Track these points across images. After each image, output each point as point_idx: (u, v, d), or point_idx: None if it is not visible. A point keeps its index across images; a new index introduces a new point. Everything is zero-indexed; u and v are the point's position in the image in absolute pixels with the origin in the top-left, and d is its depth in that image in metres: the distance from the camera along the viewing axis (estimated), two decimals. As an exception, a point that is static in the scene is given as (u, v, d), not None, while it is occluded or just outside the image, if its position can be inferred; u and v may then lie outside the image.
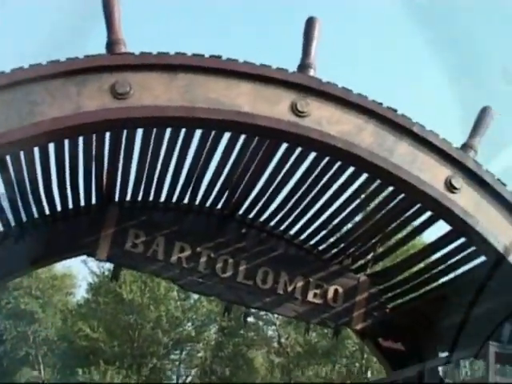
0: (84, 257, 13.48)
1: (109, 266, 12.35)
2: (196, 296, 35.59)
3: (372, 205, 11.01)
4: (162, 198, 11.68)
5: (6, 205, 10.57)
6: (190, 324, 36.39)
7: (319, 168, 9.79)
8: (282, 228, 12.20)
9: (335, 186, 10.23)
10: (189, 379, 38.42)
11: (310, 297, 12.02)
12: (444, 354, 11.34)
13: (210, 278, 11.71)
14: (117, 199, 11.56)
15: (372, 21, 61.42)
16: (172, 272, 11.67)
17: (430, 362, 10.51)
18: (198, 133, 9.15)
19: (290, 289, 11.93)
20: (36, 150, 9.01)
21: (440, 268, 10.97)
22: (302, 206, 11.15)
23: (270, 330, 36.05)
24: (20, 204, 10.70)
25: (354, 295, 12.22)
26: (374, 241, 11.52)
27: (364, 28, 64.41)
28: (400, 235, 11.49)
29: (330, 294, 12.10)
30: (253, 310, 33.93)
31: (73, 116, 7.63)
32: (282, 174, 10.17)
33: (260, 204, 11.45)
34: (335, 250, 12.30)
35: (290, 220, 11.81)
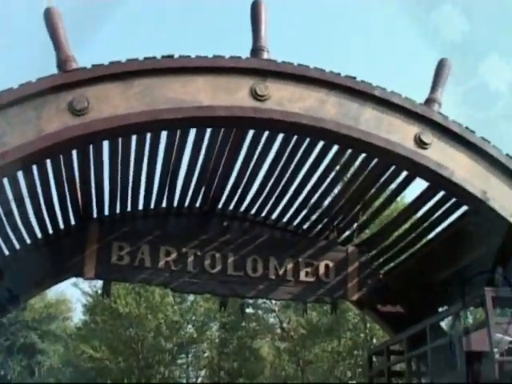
0: (74, 279, 13.39)
1: (100, 283, 12.24)
2: (192, 297, 35.54)
3: (348, 175, 11.05)
4: (140, 207, 11.64)
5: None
6: (190, 326, 36.30)
7: (289, 148, 9.78)
8: (263, 214, 12.22)
9: (308, 163, 10.23)
10: (199, 380, 38.41)
11: (302, 276, 12.07)
12: (443, 309, 11.45)
13: (200, 276, 11.72)
14: (95, 215, 11.50)
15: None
16: (162, 277, 11.64)
17: (431, 319, 10.58)
18: (164, 135, 9.09)
19: (281, 272, 11.98)
20: (5, 180, 8.91)
21: (425, 225, 11.04)
22: (279, 189, 11.16)
23: (270, 318, 36.14)
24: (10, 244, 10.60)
25: (345, 267, 12.30)
26: (355, 210, 11.56)
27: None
28: (380, 200, 11.54)
29: (322, 270, 12.17)
30: (250, 301, 34.10)
31: (36, 141, 7.55)
32: (253, 160, 10.15)
33: (238, 194, 11.44)
34: (320, 226, 12.35)
35: (269, 205, 11.82)
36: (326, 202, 11.74)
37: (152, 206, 11.70)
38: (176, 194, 11.32)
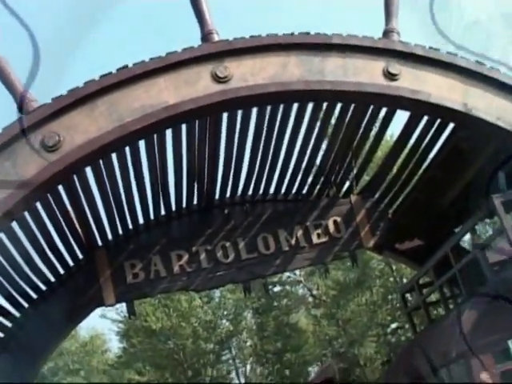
0: (100, 311, 13.40)
1: (124, 306, 12.27)
2: (218, 293, 35.64)
3: (330, 129, 11.04)
4: (141, 221, 11.66)
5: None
6: (224, 321, 36.37)
7: (266, 119, 9.77)
8: (261, 192, 12.23)
9: (289, 129, 10.23)
10: (248, 368, 38.60)
11: (314, 239, 12.13)
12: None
13: (216, 269, 11.77)
14: (100, 243, 11.53)
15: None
16: (180, 282, 11.68)
17: (449, 242, 10.65)
18: (143, 144, 9.08)
19: (293, 242, 12.03)
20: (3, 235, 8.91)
21: (418, 154, 11.07)
22: (268, 163, 11.16)
23: (299, 290, 36.26)
24: (14, 293, 10.60)
25: (353, 217, 12.35)
26: (348, 161, 11.58)
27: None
28: (368, 144, 11.56)
29: (331, 227, 12.22)
30: (274, 279, 34.21)
31: (15, 192, 7.51)
32: (235, 142, 10.14)
33: (230, 180, 11.45)
34: (318, 187, 12.37)
35: (264, 181, 11.83)
36: (318, 161, 11.75)
37: (152, 217, 11.72)
38: (171, 198, 11.33)
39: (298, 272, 33.98)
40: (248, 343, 37.86)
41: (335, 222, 12.26)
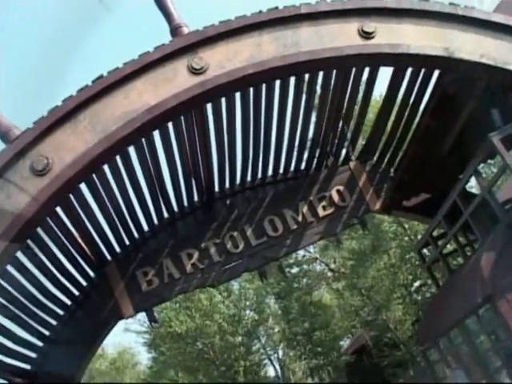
0: (122, 325, 13.42)
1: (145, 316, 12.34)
2: (236, 285, 35.80)
3: (316, 100, 11.02)
4: (145, 228, 11.70)
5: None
6: (248, 311, 36.57)
7: (251, 103, 9.77)
8: (259, 176, 12.26)
9: (275, 108, 10.23)
10: (280, 354, 38.72)
11: (321, 213, 12.14)
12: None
13: (228, 260, 11.83)
14: (109, 258, 11.56)
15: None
16: (196, 280, 11.73)
17: (456, 189, 10.64)
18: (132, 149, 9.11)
19: (300, 219, 12.06)
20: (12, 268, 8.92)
21: (409, 109, 11.05)
22: (262, 146, 11.17)
23: (316, 266, 36.33)
24: (35, 324, 10.64)
25: (356, 183, 12.37)
26: (340, 128, 11.58)
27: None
28: (357, 107, 11.54)
29: (335, 197, 12.22)
30: (290, 260, 34.27)
31: (15, 223, 7.54)
32: (224, 131, 10.14)
33: (227, 170, 11.47)
34: (316, 160, 12.39)
35: (261, 165, 11.85)
36: (311, 134, 11.75)
37: (156, 222, 11.76)
38: (171, 200, 11.36)
39: (312, 249, 34.07)
40: (275, 329, 38.03)
41: (338, 191, 12.26)
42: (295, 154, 12.00)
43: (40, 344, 10.91)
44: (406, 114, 11.22)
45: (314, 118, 11.45)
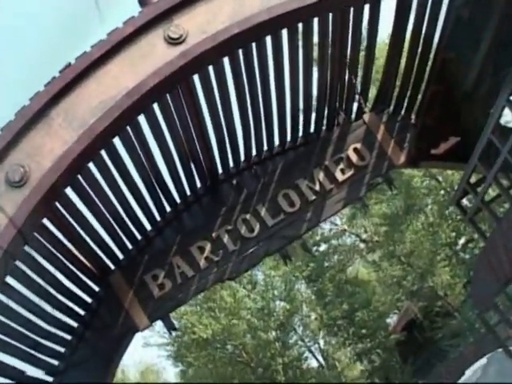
0: (140, 341, 13.43)
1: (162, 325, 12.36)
2: (259, 275, 35.91)
3: (315, 55, 10.93)
4: (148, 227, 11.70)
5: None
6: (278, 302, 36.70)
7: (242, 67, 9.72)
8: (265, 149, 12.21)
9: (271, 69, 10.18)
10: (321, 343, 38.83)
11: (339, 177, 12.03)
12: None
13: (245, 247, 11.75)
14: (112, 267, 11.58)
15: None
16: (212, 275, 11.69)
17: (488, 125, 10.56)
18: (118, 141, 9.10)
19: (317, 188, 11.96)
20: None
21: (422, 43, 10.96)
22: (262, 114, 11.12)
23: (346, 239, 36.36)
24: (41, 356, 10.70)
25: (374, 138, 12.26)
26: (346, 79, 11.52)
27: None
28: (362, 53, 11.46)
29: (353, 157, 12.12)
30: (317, 238, 34.33)
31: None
32: (218, 104, 10.10)
33: (228, 147, 11.44)
34: (325, 121, 12.33)
35: (265, 136, 11.81)
36: (315, 92, 11.67)
37: (158, 218, 11.75)
38: (171, 191, 11.35)
39: (338, 221, 34.12)
40: (312, 317, 38.19)
41: (356, 149, 12.15)
42: (301, 116, 11.93)
43: (50, 379, 10.92)
44: (419, 49, 11.11)
45: (315, 73, 11.37)
